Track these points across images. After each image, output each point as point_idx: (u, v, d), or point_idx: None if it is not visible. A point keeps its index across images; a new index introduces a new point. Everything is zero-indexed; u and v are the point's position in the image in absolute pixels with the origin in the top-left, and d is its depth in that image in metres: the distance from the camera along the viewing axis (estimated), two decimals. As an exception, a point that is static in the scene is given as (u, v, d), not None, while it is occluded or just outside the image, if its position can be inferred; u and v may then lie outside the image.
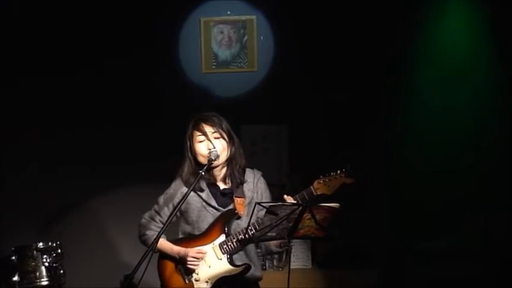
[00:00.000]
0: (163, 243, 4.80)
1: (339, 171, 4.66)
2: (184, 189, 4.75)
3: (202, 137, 4.73)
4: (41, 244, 6.27)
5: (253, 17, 7.23)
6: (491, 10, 6.85)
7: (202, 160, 4.73)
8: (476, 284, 6.37)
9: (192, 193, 4.73)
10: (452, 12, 6.97)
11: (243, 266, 4.70)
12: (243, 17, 7.25)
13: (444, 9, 6.98)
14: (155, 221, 4.84)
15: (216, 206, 4.76)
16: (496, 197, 6.73)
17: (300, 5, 7.04)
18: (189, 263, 4.69)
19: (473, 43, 6.96)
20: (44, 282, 6.24)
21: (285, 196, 4.63)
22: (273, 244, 4.77)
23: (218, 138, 4.74)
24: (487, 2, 6.90)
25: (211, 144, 4.71)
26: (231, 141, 4.77)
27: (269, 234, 4.40)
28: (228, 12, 7.26)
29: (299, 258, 6.74)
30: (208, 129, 4.74)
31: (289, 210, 4.32)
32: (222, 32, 7.25)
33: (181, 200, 4.62)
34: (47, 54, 7.06)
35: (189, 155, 4.79)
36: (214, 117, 4.78)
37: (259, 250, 4.95)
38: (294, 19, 7.08)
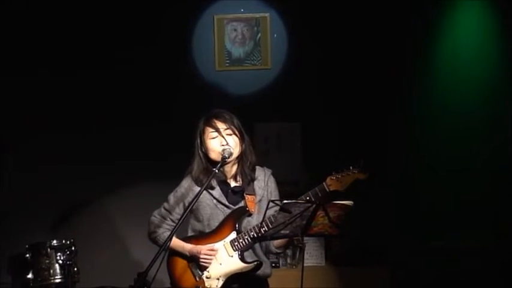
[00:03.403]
0: (174, 241, 4.77)
1: (351, 167, 4.64)
2: (196, 189, 4.74)
3: (215, 133, 4.72)
4: (54, 242, 6.31)
5: (267, 15, 7.22)
6: (504, 9, 6.83)
7: (214, 156, 4.71)
8: (488, 280, 6.35)
9: (203, 191, 4.72)
10: (464, 11, 6.95)
11: (255, 263, 4.68)
12: (257, 15, 7.24)
13: (457, 8, 6.96)
14: (166, 220, 4.83)
15: (227, 203, 4.74)
16: (508, 194, 6.72)
17: (312, 2, 7.03)
18: (201, 260, 4.68)
19: (486, 42, 6.93)
20: (58, 280, 6.29)
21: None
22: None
23: (230, 134, 4.73)
24: (500, 1, 6.87)
25: (224, 141, 4.70)
26: (242, 138, 4.76)
27: (282, 231, 4.39)
28: (242, 10, 7.25)
29: (312, 255, 6.73)
30: (220, 125, 4.72)
31: (302, 207, 4.31)
32: (235, 30, 7.25)
33: (193, 200, 4.62)
34: (61, 52, 7.07)
35: (199, 151, 4.77)
36: (225, 114, 4.76)
37: None
38: (307, 16, 7.07)
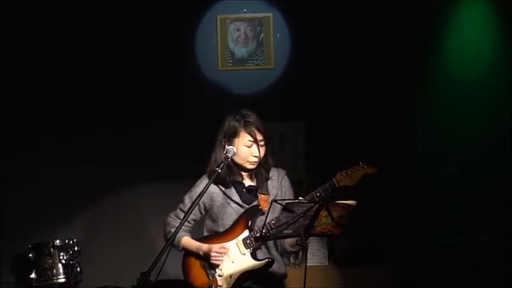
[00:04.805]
0: (188, 241, 4.83)
1: (360, 163, 4.68)
2: (211, 188, 4.76)
3: (251, 143, 4.74)
4: (57, 241, 6.31)
5: (270, 15, 7.21)
6: (509, 9, 6.83)
7: (239, 160, 4.74)
8: (489, 280, 6.34)
9: (217, 190, 4.78)
10: (469, 11, 6.95)
11: (266, 260, 4.71)
12: (260, 15, 7.23)
13: (462, 7, 6.95)
14: (180, 219, 4.84)
15: (240, 202, 4.78)
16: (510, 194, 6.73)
17: (315, 1, 7.03)
18: (212, 258, 4.71)
19: (490, 41, 6.93)
20: (61, 280, 6.29)
21: (300, 198, 4.61)
22: (287, 243, 4.78)
23: (263, 146, 4.77)
24: (505, 1, 6.88)
25: (256, 152, 4.72)
26: (267, 147, 4.80)
27: (285, 231, 4.40)
28: (245, 10, 7.25)
29: (315, 255, 6.73)
30: (259, 136, 4.75)
31: (305, 207, 4.31)
32: (238, 30, 7.24)
33: (201, 193, 4.62)
34: (63, 51, 7.07)
35: (224, 148, 4.75)
36: (261, 124, 4.79)
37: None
38: (310, 16, 7.07)
